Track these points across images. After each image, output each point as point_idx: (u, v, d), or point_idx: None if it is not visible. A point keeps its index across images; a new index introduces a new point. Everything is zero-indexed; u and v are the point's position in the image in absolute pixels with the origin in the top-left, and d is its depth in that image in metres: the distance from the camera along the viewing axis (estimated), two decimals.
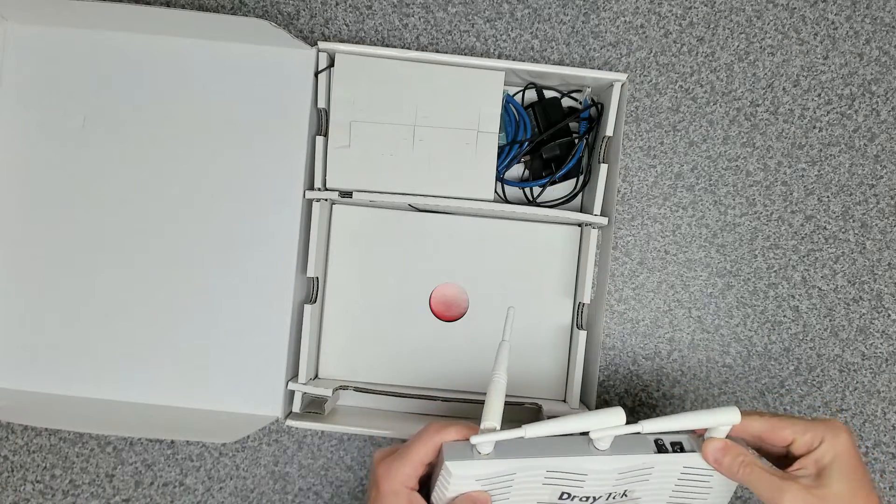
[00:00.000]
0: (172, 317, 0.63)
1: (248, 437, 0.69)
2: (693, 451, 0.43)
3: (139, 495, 0.69)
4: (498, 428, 0.40)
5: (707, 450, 0.42)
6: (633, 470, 0.42)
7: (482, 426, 0.41)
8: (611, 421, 0.40)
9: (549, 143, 0.64)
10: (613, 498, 0.44)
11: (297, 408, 0.63)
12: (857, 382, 0.69)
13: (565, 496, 0.43)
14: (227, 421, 0.61)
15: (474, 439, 0.40)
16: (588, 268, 0.62)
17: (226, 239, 0.63)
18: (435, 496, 0.42)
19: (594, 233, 0.62)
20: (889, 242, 0.69)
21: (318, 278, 0.64)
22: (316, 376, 0.66)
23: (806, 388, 0.69)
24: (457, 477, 0.40)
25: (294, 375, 0.64)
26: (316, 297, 0.64)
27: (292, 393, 0.63)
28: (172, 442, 0.69)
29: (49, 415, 0.62)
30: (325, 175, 0.63)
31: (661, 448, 0.43)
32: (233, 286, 0.63)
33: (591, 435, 0.41)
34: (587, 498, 0.43)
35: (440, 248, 0.66)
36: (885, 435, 0.69)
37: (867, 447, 0.69)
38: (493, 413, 0.41)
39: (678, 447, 0.43)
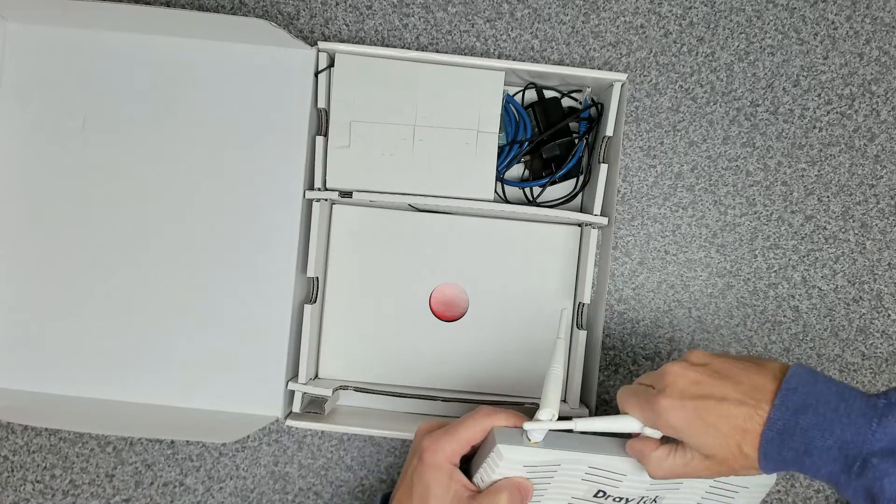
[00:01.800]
0: (172, 317, 0.63)
1: (248, 437, 0.69)
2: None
3: (139, 495, 0.69)
4: (556, 417, 0.42)
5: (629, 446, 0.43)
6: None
7: (539, 414, 0.42)
8: (657, 433, 0.41)
9: (549, 143, 0.64)
10: (644, 502, 0.45)
11: (297, 408, 0.63)
12: (857, 382, 0.69)
13: (600, 494, 0.44)
14: (227, 421, 0.61)
15: (528, 425, 0.41)
16: (588, 268, 0.62)
17: (226, 239, 0.63)
18: (479, 476, 0.43)
19: (594, 233, 0.62)
20: (889, 242, 0.69)
21: (318, 278, 0.64)
22: (316, 376, 0.66)
23: None
24: (507, 460, 0.41)
25: (294, 375, 0.64)
26: (316, 297, 0.64)
27: (292, 393, 0.63)
28: (172, 442, 0.69)
29: (49, 415, 0.62)
30: (325, 175, 0.63)
31: None
32: (233, 286, 0.63)
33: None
34: (620, 499, 0.44)
35: (440, 248, 0.66)
36: None
37: None
38: (551, 402, 0.42)
39: None
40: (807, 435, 0.35)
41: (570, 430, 0.42)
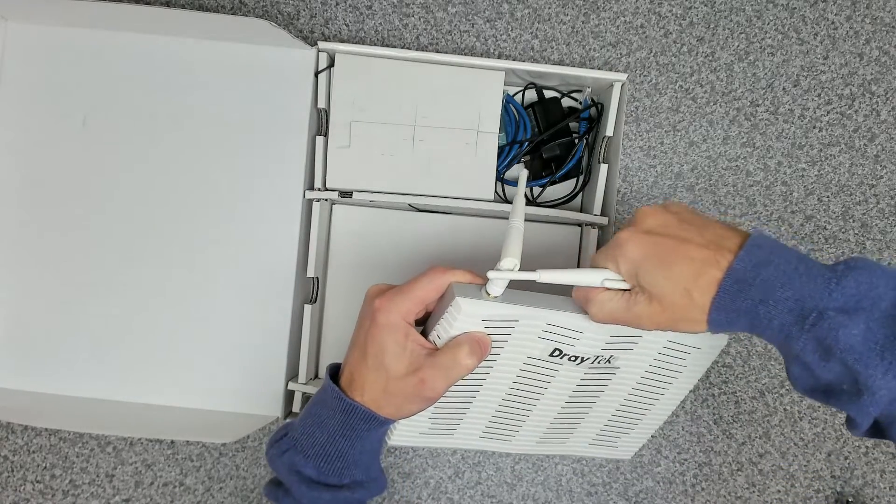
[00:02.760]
0: (173, 317, 0.63)
1: (248, 437, 0.69)
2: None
3: (139, 495, 0.69)
4: (517, 267, 0.40)
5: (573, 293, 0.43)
6: (623, 336, 0.43)
7: (501, 264, 0.40)
8: (620, 284, 0.40)
9: (549, 143, 0.64)
10: (598, 362, 0.45)
11: (297, 408, 0.63)
12: None
13: (556, 353, 0.44)
14: (227, 421, 0.61)
15: (491, 274, 0.40)
16: None
17: (226, 239, 0.63)
18: (436, 333, 0.41)
19: (594, 233, 0.62)
20: (889, 242, 0.69)
21: (318, 278, 0.64)
22: (316, 376, 0.66)
23: None
24: (466, 314, 0.40)
25: (294, 375, 0.64)
26: (316, 297, 0.64)
27: (292, 393, 0.63)
28: (172, 442, 0.69)
29: (49, 415, 0.62)
30: (325, 175, 0.63)
31: None
32: (233, 286, 0.63)
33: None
34: (576, 358, 0.44)
35: (440, 248, 0.66)
36: None
37: (867, 447, 0.69)
38: (512, 251, 0.40)
39: None
40: (766, 285, 0.34)
41: (532, 281, 0.40)
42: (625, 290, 0.39)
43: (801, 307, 0.34)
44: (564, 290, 0.42)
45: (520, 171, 0.50)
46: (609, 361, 0.45)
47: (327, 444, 0.41)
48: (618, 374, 0.47)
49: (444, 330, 0.41)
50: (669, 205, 0.40)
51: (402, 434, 0.48)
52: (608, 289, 0.39)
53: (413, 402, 0.41)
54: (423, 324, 0.44)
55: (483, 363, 0.43)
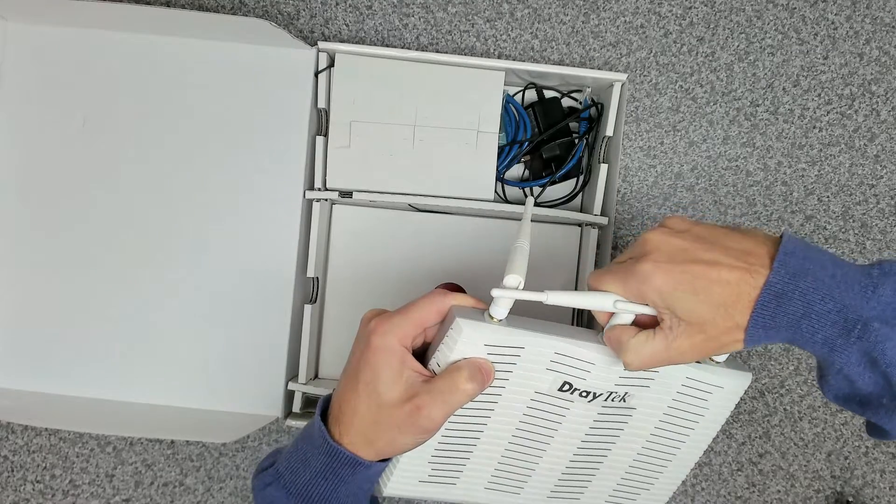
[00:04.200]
0: (173, 317, 0.63)
1: (248, 437, 0.69)
2: (698, 361, 0.42)
3: (139, 495, 0.69)
4: (522, 285, 0.38)
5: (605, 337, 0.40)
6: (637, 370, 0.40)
7: (505, 281, 0.38)
8: (633, 307, 0.38)
9: (549, 143, 0.64)
10: (612, 400, 0.42)
11: (297, 408, 0.63)
12: None
13: (566, 387, 0.41)
14: (227, 421, 0.61)
15: (495, 292, 0.37)
16: (588, 268, 0.62)
17: (226, 239, 0.63)
18: (435, 360, 0.39)
19: (594, 233, 0.62)
20: (889, 242, 0.69)
21: (318, 278, 0.64)
22: (316, 376, 0.66)
23: (806, 388, 0.69)
24: (467, 337, 0.37)
25: (294, 375, 0.63)
26: (316, 297, 0.64)
27: (292, 393, 0.63)
28: (172, 442, 0.69)
29: (49, 415, 0.62)
30: (325, 175, 0.63)
31: None
32: (233, 286, 0.63)
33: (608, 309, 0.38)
34: (587, 393, 0.41)
35: (440, 248, 0.66)
36: None
37: (867, 447, 0.69)
38: (517, 269, 0.38)
39: None
40: (806, 298, 0.33)
41: (539, 302, 0.37)
42: (642, 314, 0.37)
43: (844, 319, 0.33)
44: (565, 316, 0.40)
45: (528, 198, 0.47)
46: (624, 400, 0.42)
47: (310, 485, 0.38)
48: (634, 415, 0.43)
49: (443, 355, 0.38)
50: (671, 224, 0.38)
51: (400, 482, 0.43)
52: (638, 330, 0.37)
53: (407, 432, 0.37)
54: (423, 357, 0.41)
55: (487, 397, 0.40)
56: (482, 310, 0.39)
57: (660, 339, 0.36)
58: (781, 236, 0.36)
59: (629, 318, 0.38)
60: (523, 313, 0.40)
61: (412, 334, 0.39)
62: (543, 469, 0.45)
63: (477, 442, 0.43)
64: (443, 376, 0.38)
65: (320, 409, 0.40)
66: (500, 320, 0.39)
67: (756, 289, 0.34)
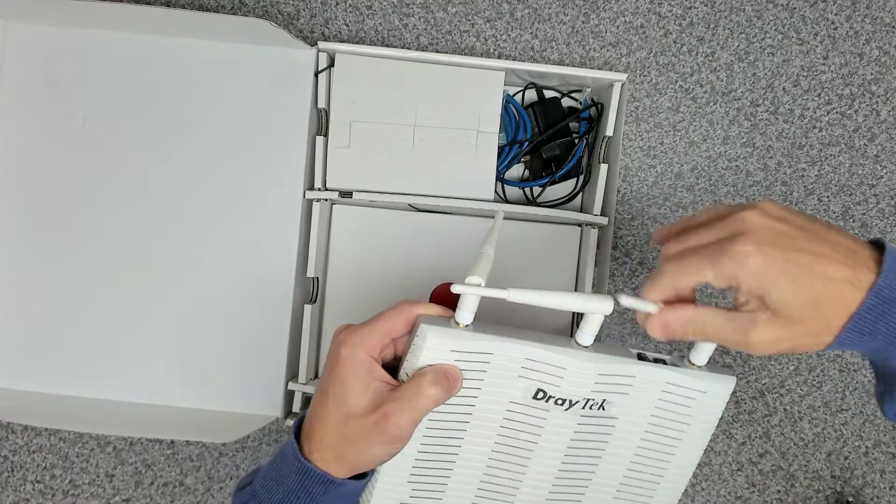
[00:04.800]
0: (173, 316, 0.63)
1: (248, 437, 0.69)
2: (676, 365, 0.41)
3: (139, 495, 0.69)
4: (483, 284, 0.37)
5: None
6: (613, 375, 0.40)
7: (466, 280, 0.37)
8: (600, 307, 0.38)
9: (549, 143, 0.64)
10: (591, 407, 0.41)
11: (297, 408, 0.63)
12: (857, 382, 0.69)
13: (540, 395, 0.40)
14: (227, 421, 0.61)
15: (455, 288, 0.37)
16: (588, 268, 0.62)
17: (226, 239, 0.63)
18: (403, 370, 0.39)
19: (594, 233, 0.62)
20: (889, 242, 0.69)
21: (318, 278, 0.64)
22: (316, 376, 0.66)
23: (806, 388, 0.69)
24: (432, 343, 0.37)
25: (294, 375, 0.64)
26: (316, 297, 0.64)
27: (292, 393, 0.63)
28: (172, 442, 0.69)
29: (49, 415, 0.62)
30: (325, 175, 0.63)
31: (642, 358, 0.41)
32: (233, 286, 0.63)
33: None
34: (563, 401, 0.40)
35: (440, 248, 0.66)
36: (885, 435, 0.69)
37: (867, 447, 0.69)
38: (480, 270, 0.38)
39: (661, 362, 0.42)
40: None
41: (503, 300, 0.37)
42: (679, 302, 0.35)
43: None
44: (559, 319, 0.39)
45: (498, 211, 0.47)
46: (603, 408, 0.41)
47: None
48: (617, 425, 0.42)
49: (410, 364, 0.38)
50: (767, 208, 0.35)
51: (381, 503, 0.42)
52: (699, 307, 0.35)
53: (375, 442, 0.37)
54: (395, 372, 0.40)
55: (461, 408, 0.40)
56: (449, 318, 0.39)
57: (746, 322, 0.34)
58: (876, 241, 0.34)
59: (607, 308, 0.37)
60: (521, 325, 0.39)
61: (379, 344, 0.38)
62: (529, 487, 0.43)
63: (456, 458, 0.42)
64: (408, 383, 0.38)
65: (296, 425, 0.40)
66: (467, 325, 0.38)
67: (860, 290, 0.32)
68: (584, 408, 0.41)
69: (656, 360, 0.41)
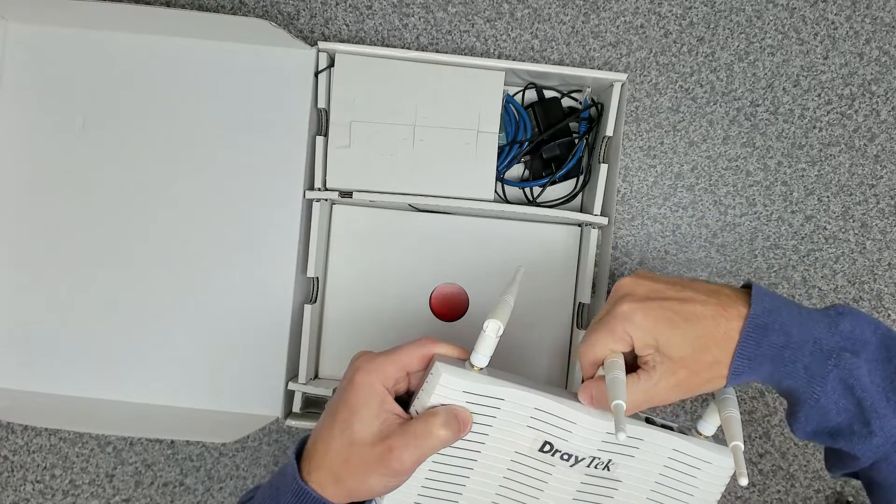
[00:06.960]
0: (172, 317, 0.63)
1: (248, 437, 0.69)
2: (683, 433, 0.42)
3: (139, 495, 0.69)
4: (501, 331, 0.39)
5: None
6: None
7: (486, 322, 0.39)
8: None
9: (549, 143, 0.64)
10: (596, 467, 0.41)
11: (297, 408, 0.63)
12: None
13: (547, 447, 0.40)
14: (227, 421, 0.61)
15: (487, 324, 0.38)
16: (588, 268, 0.62)
17: (226, 239, 0.63)
18: (414, 407, 0.39)
19: (594, 233, 0.62)
20: (889, 242, 0.69)
21: (318, 278, 0.64)
22: (316, 376, 0.66)
23: None
24: (446, 382, 0.38)
25: (294, 375, 0.64)
26: (316, 297, 0.64)
27: (292, 393, 0.63)
28: (172, 442, 0.69)
29: (49, 415, 0.62)
30: (325, 175, 0.63)
31: (650, 422, 0.42)
32: (233, 286, 0.63)
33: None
34: (569, 457, 0.40)
35: (440, 248, 0.66)
36: None
37: None
38: (500, 315, 0.39)
39: (668, 429, 0.42)
40: (784, 329, 0.36)
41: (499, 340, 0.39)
42: (637, 357, 0.38)
43: (820, 349, 0.36)
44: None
45: (520, 268, 0.47)
46: (608, 468, 0.41)
47: None
48: (620, 488, 0.42)
49: (421, 401, 0.38)
50: (641, 272, 0.40)
51: None
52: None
53: (375, 473, 0.37)
54: (406, 406, 0.41)
55: (467, 453, 0.40)
56: (465, 359, 0.40)
57: (644, 379, 0.38)
58: (746, 284, 0.39)
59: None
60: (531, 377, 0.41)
61: (394, 376, 0.39)
62: None
63: (458, 503, 0.41)
64: (418, 420, 0.38)
65: (297, 445, 0.40)
66: (481, 369, 0.39)
67: (732, 321, 0.36)
68: (589, 466, 0.41)
69: (664, 426, 0.42)
